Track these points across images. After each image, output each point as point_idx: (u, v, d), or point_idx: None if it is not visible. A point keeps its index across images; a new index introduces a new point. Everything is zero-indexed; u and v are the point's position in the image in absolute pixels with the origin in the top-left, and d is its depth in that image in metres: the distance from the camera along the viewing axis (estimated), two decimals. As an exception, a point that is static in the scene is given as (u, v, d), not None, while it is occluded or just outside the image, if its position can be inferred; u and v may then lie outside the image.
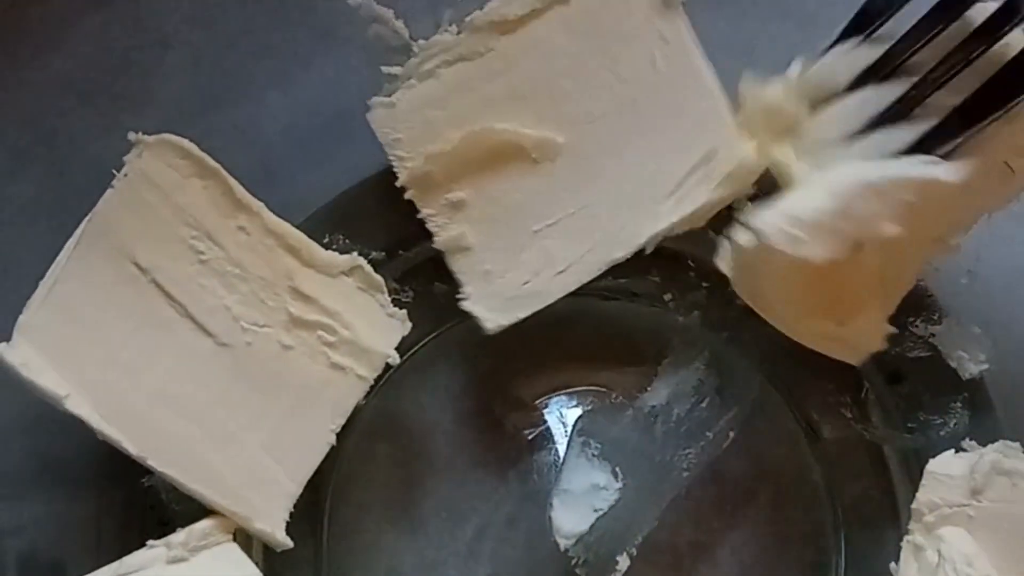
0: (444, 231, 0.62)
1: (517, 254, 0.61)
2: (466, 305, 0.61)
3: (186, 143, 0.58)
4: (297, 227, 0.61)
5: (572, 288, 0.61)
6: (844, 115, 0.55)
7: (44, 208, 0.64)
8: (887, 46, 0.54)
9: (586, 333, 0.67)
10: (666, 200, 0.60)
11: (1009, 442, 0.59)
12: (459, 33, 0.61)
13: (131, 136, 0.58)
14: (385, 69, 0.62)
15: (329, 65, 0.67)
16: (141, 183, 0.58)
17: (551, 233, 0.61)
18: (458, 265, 0.62)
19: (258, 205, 0.60)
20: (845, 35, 0.56)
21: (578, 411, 0.66)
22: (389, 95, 0.62)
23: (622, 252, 0.60)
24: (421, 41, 0.62)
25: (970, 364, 0.62)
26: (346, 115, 0.63)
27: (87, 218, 0.57)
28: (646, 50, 0.60)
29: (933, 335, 0.63)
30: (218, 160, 0.59)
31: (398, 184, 0.62)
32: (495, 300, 0.61)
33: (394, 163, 0.62)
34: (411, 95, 0.62)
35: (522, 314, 0.61)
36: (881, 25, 0.55)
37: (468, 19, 0.61)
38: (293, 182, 0.66)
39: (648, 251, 0.61)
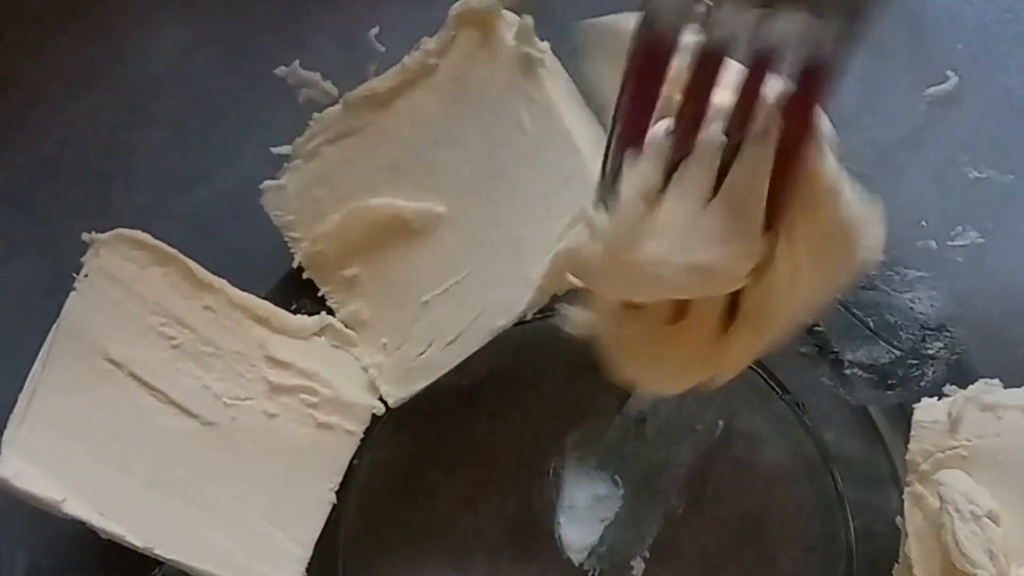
0: (343, 307, 0.63)
1: (409, 326, 0.62)
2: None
3: (139, 234, 0.59)
4: (264, 297, 0.62)
5: (464, 356, 0.60)
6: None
7: (39, 290, 0.62)
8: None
9: (561, 350, 0.67)
10: (541, 268, 0.57)
11: (988, 380, 0.60)
12: (341, 106, 0.61)
13: (85, 237, 0.58)
14: (274, 150, 0.62)
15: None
16: (102, 281, 0.58)
17: (439, 302, 0.61)
18: (360, 340, 0.63)
19: (220, 282, 0.61)
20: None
21: (568, 427, 0.67)
22: (280, 177, 0.62)
23: (503, 320, 0.59)
24: (316, 115, 0.62)
25: (930, 309, 0.63)
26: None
27: (55, 324, 0.58)
28: (513, 112, 0.58)
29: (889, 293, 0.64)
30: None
31: (294, 265, 0.63)
32: (393, 373, 0.62)
33: (290, 244, 0.63)
34: (298, 175, 0.62)
35: (417, 387, 0.61)
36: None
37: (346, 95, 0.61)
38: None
39: (528, 317, 0.59)
